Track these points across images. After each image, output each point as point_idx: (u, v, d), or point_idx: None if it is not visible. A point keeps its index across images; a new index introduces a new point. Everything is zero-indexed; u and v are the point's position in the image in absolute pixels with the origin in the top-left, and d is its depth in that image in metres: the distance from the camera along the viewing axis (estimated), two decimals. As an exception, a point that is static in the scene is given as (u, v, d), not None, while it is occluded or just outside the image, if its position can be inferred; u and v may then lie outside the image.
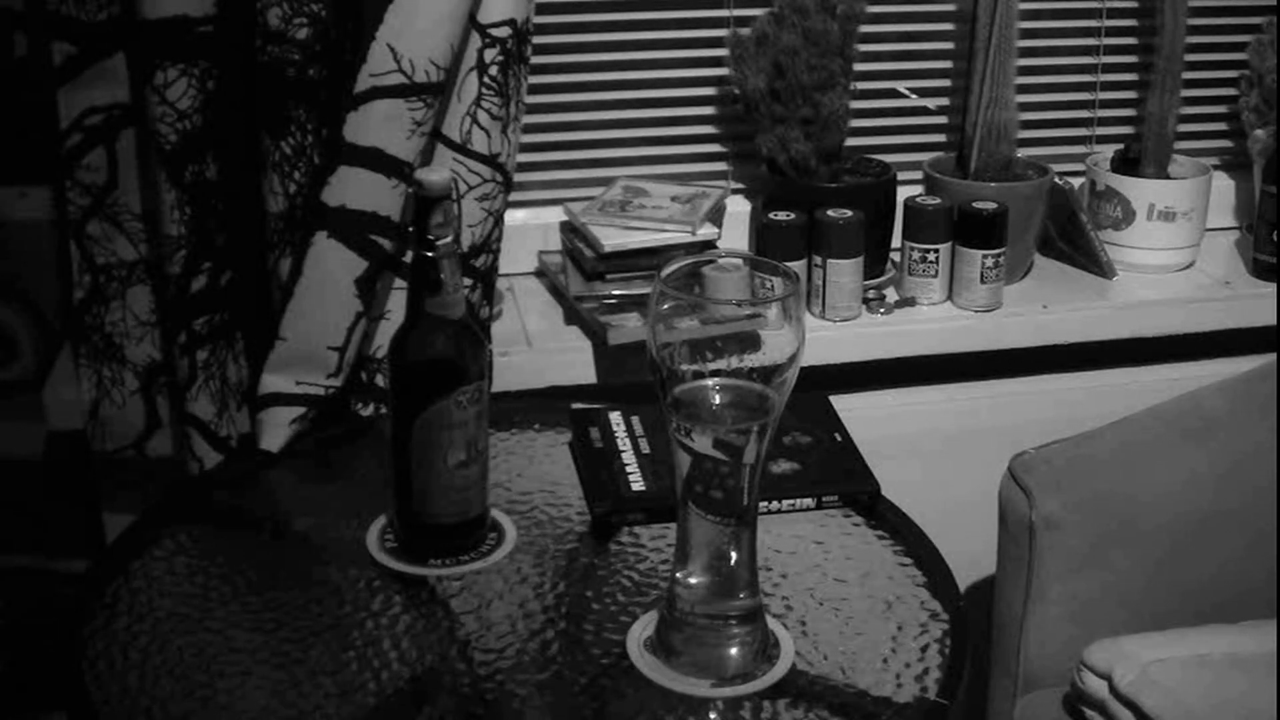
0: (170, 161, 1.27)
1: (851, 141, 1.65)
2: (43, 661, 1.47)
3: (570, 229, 1.56)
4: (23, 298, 1.38)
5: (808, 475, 1.16)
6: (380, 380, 1.35)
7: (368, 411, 1.36)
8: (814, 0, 1.53)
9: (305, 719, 0.91)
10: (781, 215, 1.53)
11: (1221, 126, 1.85)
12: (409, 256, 1.14)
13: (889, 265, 1.63)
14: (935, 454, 1.60)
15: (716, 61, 1.65)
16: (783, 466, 1.17)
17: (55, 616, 1.19)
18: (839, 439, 1.21)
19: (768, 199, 1.60)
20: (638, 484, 1.15)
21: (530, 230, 1.63)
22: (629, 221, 1.51)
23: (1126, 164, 1.71)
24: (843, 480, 1.16)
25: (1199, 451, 1.34)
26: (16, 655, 1.48)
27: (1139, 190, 1.67)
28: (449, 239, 1.01)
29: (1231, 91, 1.81)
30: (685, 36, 1.66)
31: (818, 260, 1.53)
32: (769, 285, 0.92)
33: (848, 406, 1.28)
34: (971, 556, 1.26)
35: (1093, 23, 1.77)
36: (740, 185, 1.71)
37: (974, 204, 1.57)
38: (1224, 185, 1.82)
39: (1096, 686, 1.19)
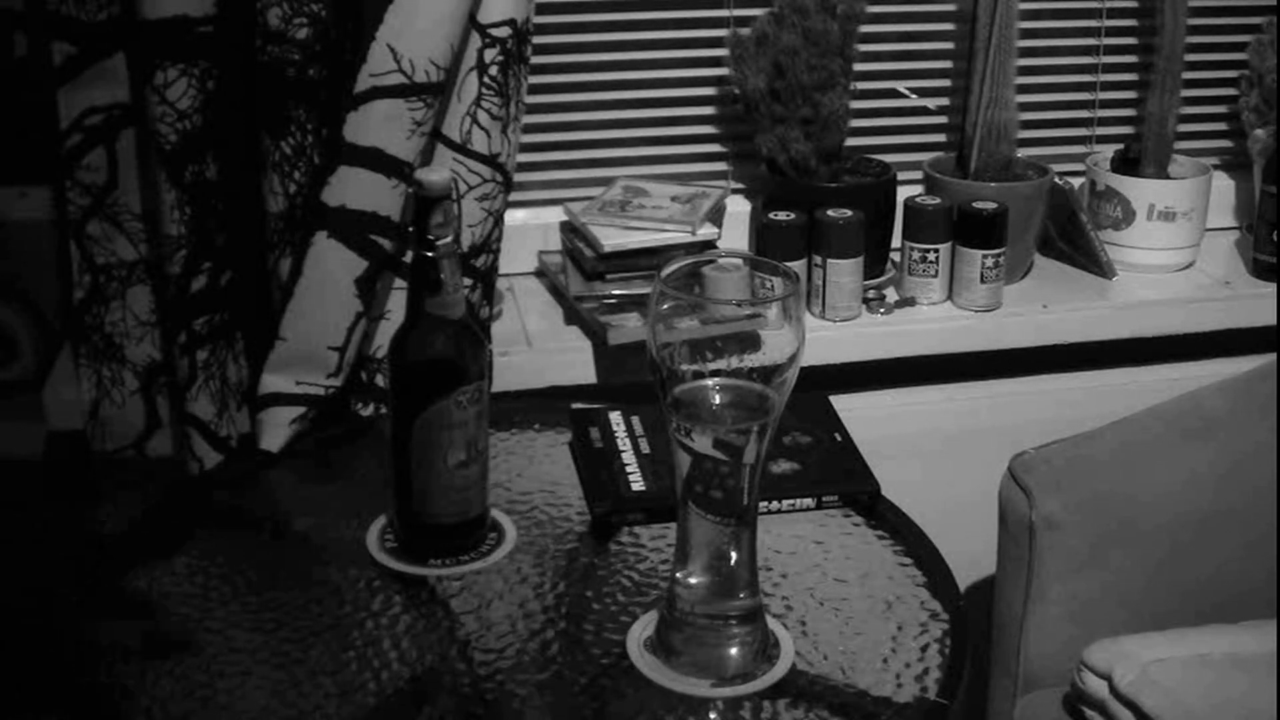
0: (170, 161, 1.27)
1: (851, 141, 1.65)
2: (43, 661, 1.47)
3: (570, 229, 1.56)
4: (23, 298, 1.38)
5: (808, 475, 1.16)
6: (380, 380, 1.35)
7: (368, 411, 1.36)
8: (814, 0, 1.53)
9: (305, 719, 0.91)
10: (781, 215, 1.53)
11: (1221, 126, 1.85)
12: (409, 256, 1.14)
13: (889, 265, 1.63)
14: (935, 454, 1.60)
15: (716, 61, 1.65)
16: (783, 466, 1.17)
17: (55, 617, 1.19)
18: (839, 439, 1.21)
19: (768, 199, 1.60)
20: (638, 484, 1.15)
21: (530, 230, 1.63)
22: (629, 221, 1.51)
23: (1126, 164, 1.71)
24: (843, 480, 1.16)
25: (1199, 451, 1.34)
26: (16, 655, 1.47)
27: (1139, 190, 1.67)
28: (449, 239, 1.01)
29: (1231, 91, 1.81)
30: (685, 36, 1.66)
31: (818, 260, 1.53)
32: (769, 285, 0.92)
33: (848, 406, 1.28)
34: (971, 556, 1.26)
35: (1093, 23, 1.77)
36: (740, 185, 1.71)
37: (974, 204, 1.57)
38: (1224, 185, 1.82)
39: (1096, 686, 1.19)
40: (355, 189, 1.25)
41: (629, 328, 1.42)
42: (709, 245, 1.50)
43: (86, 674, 0.95)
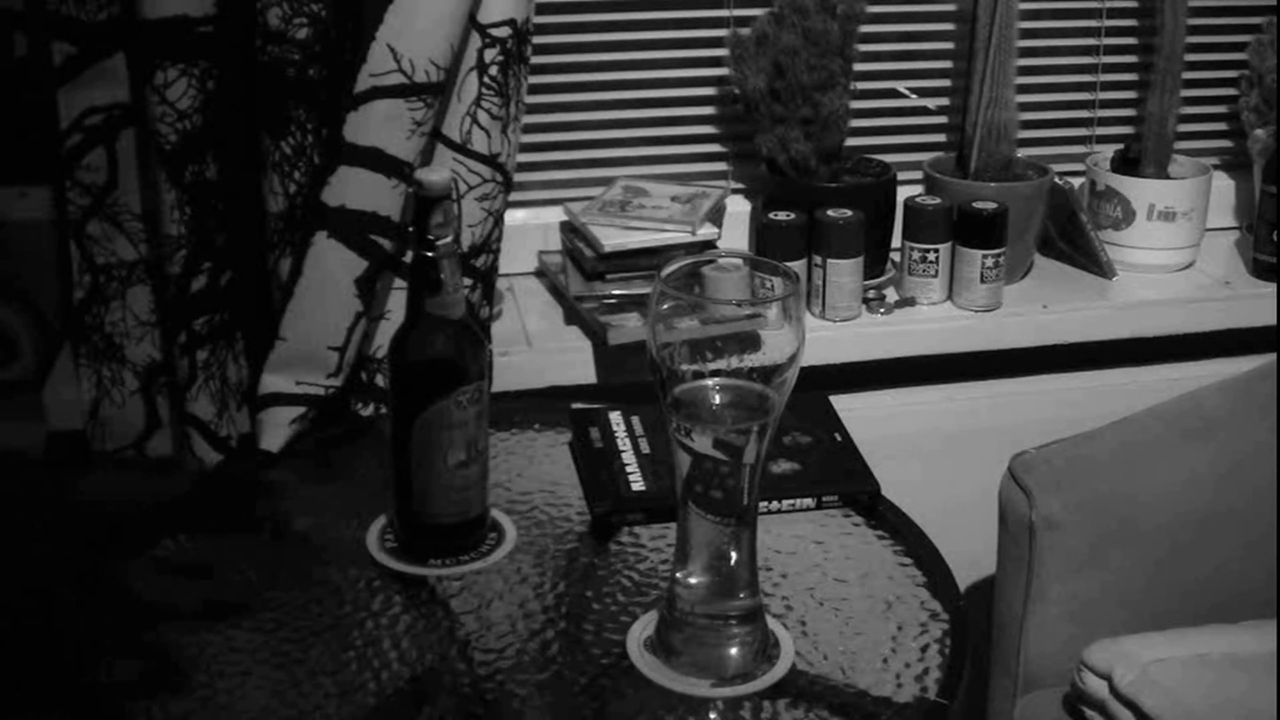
0: (170, 161, 1.27)
1: (851, 141, 1.65)
2: (43, 661, 1.47)
3: (570, 229, 1.56)
4: (23, 298, 1.38)
5: (808, 475, 1.16)
6: (380, 380, 1.35)
7: (368, 411, 1.36)
8: (814, 0, 1.53)
9: (305, 719, 0.91)
10: (781, 215, 1.53)
11: (1221, 126, 1.85)
12: (409, 256, 1.14)
13: (889, 265, 1.63)
14: (935, 454, 1.60)
15: (716, 61, 1.65)
16: (783, 466, 1.17)
17: (55, 617, 1.19)
18: (839, 439, 1.21)
19: (768, 199, 1.60)
20: (638, 484, 1.15)
21: (530, 230, 1.63)
22: (629, 221, 1.51)
23: (1126, 164, 1.71)
24: (843, 480, 1.16)
25: (1199, 451, 1.34)
26: (16, 655, 1.47)
27: (1139, 190, 1.67)
28: (449, 239, 1.01)
29: (1231, 91, 1.81)
30: (685, 36, 1.66)
31: (818, 260, 1.53)
32: (769, 285, 0.92)
33: (848, 406, 1.28)
34: (971, 556, 1.26)
35: (1093, 23, 1.77)
36: (740, 185, 1.71)
37: (974, 204, 1.57)
38: (1224, 185, 1.82)
39: (1096, 686, 1.19)
40: (355, 189, 1.25)
41: (629, 328, 1.42)
42: (709, 245, 1.50)
43: (86, 674, 0.95)
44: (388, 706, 0.92)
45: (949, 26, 1.73)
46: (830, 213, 1.51)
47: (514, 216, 1.61)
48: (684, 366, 0.87)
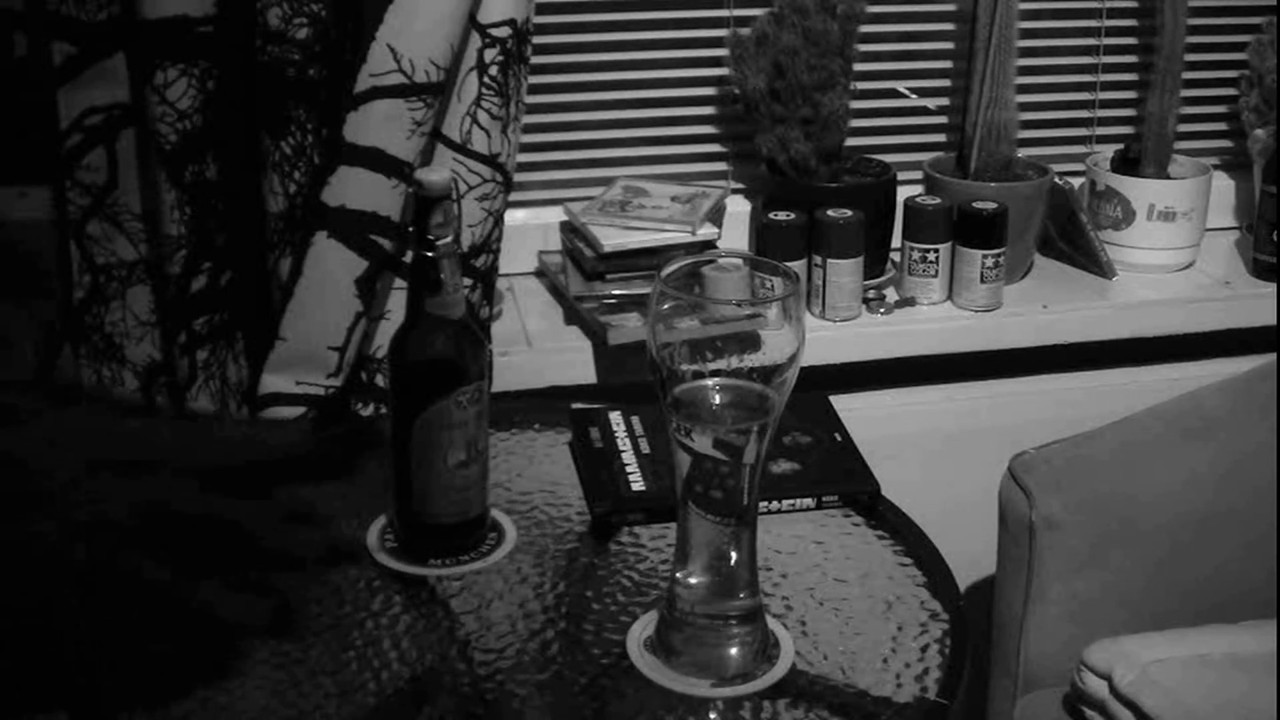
0: (170, 161, 1.27)
1: (851, 141, 1.65)
2: (43, 661, 1.47)
3: (570, 229, 1.56)
4: (23, 298, 1.38)
5: (808, 475, 1.16)
6: (380, 380, 1.35)
7: (368, 411, 1.36)
8: (814, 0, 1.53)
9: (305, 719, 0.91)
10: (781, 215, 1.53)
11: (1221, 126, 1.85)
12: (409, 256, 1.14)
13: (889, 265, 1.63)
14: (935, 454, 1.60)
15: (716, 61, 1.65)
16: (783, 466, 1.17)
17: (56, 616, 1.19)
18: (839, 439, 1.21)
19: (768, 199, 1.60)
20: (638, 484, 1.15)
21: (530, 230, 1.63)
22: (629, 221, 1.51)
23: (1126, 164, 1.71)
24: (843, 480, 1.16)
25: (1199, 451, 1.34)
26: (16, 655, 1.47)
27: (1139, 190, 1.67)
28: (449, 239, 1.01)
29: (1231, 91, 1.81)
30: (685, 36, 1.66)
31: (818, 260, 1.53)
32: (769, 285, 0.92)
33: (848, 406, 1.28)
34: (971, 556, 1.26)
35: (1093, 23, 1.77)
36: (740, 185, 1.71)
37: (974, 204, 1.57)
38: (1224, 185, 1.82)
39: (1096, 686, 1.19)
40: (355, 189, 1.25)
41: (629, 328, 1.42)
42: (709, 245, 1.50)
43: (87, 672, 0.95)
44: (388, 706, 0.92)
45: (949, 26, 1.73)
46: (830, 213, 1.51)
47: (514, 216, 1.61)
48: (684, 366, 0.87)
